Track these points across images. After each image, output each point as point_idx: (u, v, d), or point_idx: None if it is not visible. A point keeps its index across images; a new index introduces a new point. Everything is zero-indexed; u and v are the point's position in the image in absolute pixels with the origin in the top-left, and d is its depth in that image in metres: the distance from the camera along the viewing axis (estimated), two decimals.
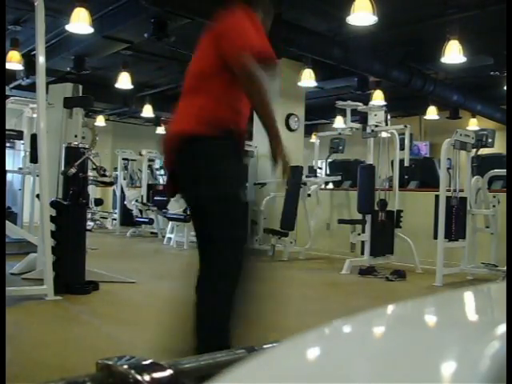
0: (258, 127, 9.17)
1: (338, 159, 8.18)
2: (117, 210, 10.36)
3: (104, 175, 5.16)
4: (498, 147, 6.18)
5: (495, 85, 9.07)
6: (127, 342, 2.90)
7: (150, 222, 9.35)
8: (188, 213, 7.66)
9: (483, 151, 6.07)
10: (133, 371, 0.56)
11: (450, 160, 5.65)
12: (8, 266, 4.19)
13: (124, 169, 10.30)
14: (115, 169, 10.98)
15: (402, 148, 6.22)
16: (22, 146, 6.95)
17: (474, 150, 5.70)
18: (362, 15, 5.40)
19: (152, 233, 9.67)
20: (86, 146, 4.30)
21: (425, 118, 11.09)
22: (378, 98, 8.72)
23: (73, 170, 4.09)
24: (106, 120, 13.18)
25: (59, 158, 4.33)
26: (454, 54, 6.38)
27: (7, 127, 5.38)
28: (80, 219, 4.30)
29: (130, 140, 13.22)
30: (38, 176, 4.52)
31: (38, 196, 4.56)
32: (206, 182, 1.94)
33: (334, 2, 6.36)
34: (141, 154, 10.22)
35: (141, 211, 9.56)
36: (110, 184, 8.73)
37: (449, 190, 5.35)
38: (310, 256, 7.08)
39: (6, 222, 3.92)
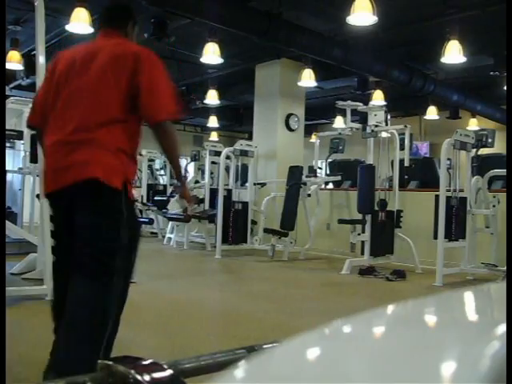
0: (257, 128, 9.16)
1: (337, 159, 8.18)
2: None
3: None
4: (498, 147, 6.17)
5: (495, 85, 9.06)
6: (127, 341, 2.90)
7: (150, 221, 9.35)
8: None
9: (483, 151, 6.07)
10: (133, 371, 0.56)
11: (450, 160, 5.65)
12: (8, 265, 4.19)
13: None
14: None
15: (402, 148, 6.23)
16: (22, 146, 6.95)
17: (474, 150, 5.70)
18: (362, 15, 5.40)
19: (152, 233, 9.67)
20: None
21: (425, 117, 11.09)
22: (378, 98, 8.72)
23: None
24: None
25: None
26: (454, 53, 6.39)
27: (7, 127, 5.38)
28: None
29: None
30: (38, 176, 4.52)
31: (38, 196, 4.56)
32: None
33: (334, 2, 6.36)
34: (141, 154, 10.21)
35: (141, 211, 9.55)
36: None
37: (449, 190, 5.35)
38: (310, 256, 7.09)
39: (6, 222, 3.92)
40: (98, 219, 1.98)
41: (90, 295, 1.95)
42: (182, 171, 2.29)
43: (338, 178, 7.63)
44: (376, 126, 6.19)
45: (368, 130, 6.21)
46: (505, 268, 4.92)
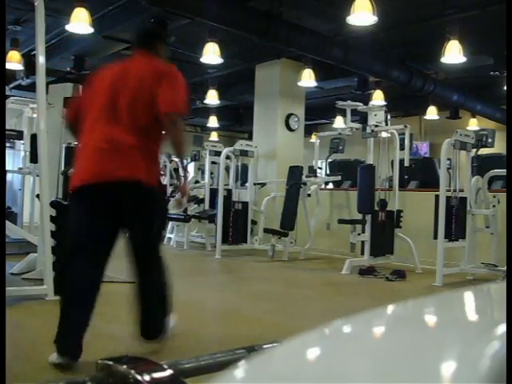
0: (257, 128, 9.15)
1: (337, 159, 8.18)
2: None
3: None
4: (498, 147, 6.17)
5: (495, 85, 9.06)
6: (127, 341, 2.90)
7: None
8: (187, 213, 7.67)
9: (483, 151, 6.07)
10: (133, 371, 0.56)
11: (450, 160, 5.65)
12: (8, 266, 4.19)
13: None
14: None
15: (402, 148, 6.22)
16: (22, 146, 6.95)
17: (474, 150, 5.70)
18: (362, 15, 5.40)
19: None
20: None
21: (425, 117, 11.09)
22: (378, 98, 8.71)
23: (73, 170, 4.09)
24: None
25: (59, 158, 4.33)
26: (454, 53, 6.38)
27: (7, 127, 5.38)
28: None
29: None
30: (38, 176, 4.52)
31: (37, 196, 4.56)
32: None
33: (334, 2, 6.36)
34: None
35: None
36: None
37: (449, 190, 5.35)
38: (310, 256, 7.09)
39: (6, 221, 3.92)
40: (147, 210, 2.51)
41: (159, 275, 2.70)
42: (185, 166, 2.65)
43: (338, 178, 7.62)
44: (376, 125, 6.19)
45: (368, 129, 6.21)
46: (505, 268, 4.92)
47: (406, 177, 6.64)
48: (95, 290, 2.47)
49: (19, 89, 8.92)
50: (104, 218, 2.46)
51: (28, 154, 6.12)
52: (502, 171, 5.43)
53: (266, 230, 6.97)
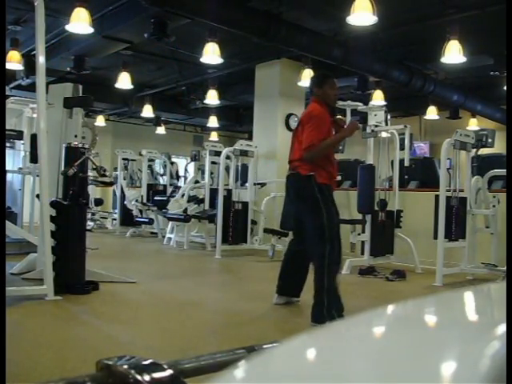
0: (257, 128, 9.16)
1: (338, 159, 8.17)
2: (117, 210, 10.36)
3: (104, 175, 5.16)
4: (498, 147, 6.17)
5: (495, 85, 9.06)
6: (127, 341, 2.90)
7: (150, 222, 9.35)
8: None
9: (483, 151, 6.07)
10: (133, 371, 0.56)
11: (450, 160, 5.65)
12: (8, 266, 4.20)
13: (124, 169, 10.30)
14: (115, 169, 10.99)
15: (402, 148, 6.22)
16: (22, 146, 6.94)
17: (474, 150, 5.70)
18: (361, 15, 5.40)
19: (152, 233, 9.67)
20: (86, 146, 4.30)
21: (425, 117, 11.09)
22: (377, 98, 8.72)
23: (73, 170, 4.09)
24: (106, 120, 13.18)
25: (59, 158, 4.33)
26: (454, 53, 6.38)
27: (7, 127, 5.37)
28: (80, 219, 4.30)
29: (129, 140, 13.23)
30: (38, 176, 4.52)
31: (37, 196, 4.56)
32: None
33: (333, 2, 6.36)
34: (141, 154, 10.23)
35: (141, 211, 9.57)
36: (110, 184, 8.75)
37: (449, 190, 5.35)
38: None
39: (6, 222, 3.92)
40: None
41: None
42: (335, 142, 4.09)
43: (338, 177, 7.61)
44: (376, 126, 6.19)
45: (368, 130, 6.21)
46: (505, 268, 4.92)
47: (405, 177, 6.64)
48: None
49: (19, 89, 8.92)
50: None
51: (28, 154, 6.12)
52: (502, 171, 5.43)
53: (266, 230, 6.96)
